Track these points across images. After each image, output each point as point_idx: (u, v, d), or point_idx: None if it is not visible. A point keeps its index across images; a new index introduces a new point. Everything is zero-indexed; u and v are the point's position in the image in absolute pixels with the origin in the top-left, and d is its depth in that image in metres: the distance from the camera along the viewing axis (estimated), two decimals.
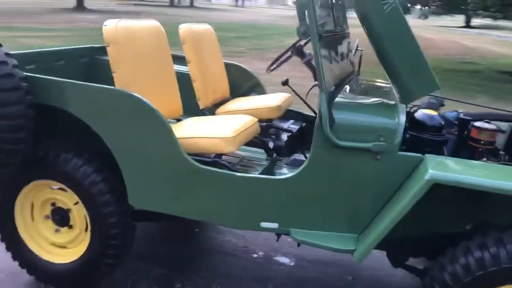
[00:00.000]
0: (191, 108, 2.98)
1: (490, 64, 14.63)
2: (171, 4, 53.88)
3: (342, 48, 2.73)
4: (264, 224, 2.16)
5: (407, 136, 2.22)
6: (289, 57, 2.92)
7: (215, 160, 2.28)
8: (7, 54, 2.14)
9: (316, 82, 2.09)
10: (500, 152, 2.23)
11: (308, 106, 2.86)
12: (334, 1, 2.59)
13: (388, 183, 2.05)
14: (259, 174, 2.39)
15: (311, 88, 2.56)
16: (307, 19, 1.98)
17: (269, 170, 2.52)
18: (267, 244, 3.19)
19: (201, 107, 2.96)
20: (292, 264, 3.01)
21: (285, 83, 2.81)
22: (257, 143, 2.74)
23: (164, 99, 2.50)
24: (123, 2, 52.77)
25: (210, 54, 3.14)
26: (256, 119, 2.59)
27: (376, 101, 2.29)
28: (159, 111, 2.12)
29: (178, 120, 2.70)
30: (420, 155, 2.04)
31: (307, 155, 2.12)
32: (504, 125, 2.32)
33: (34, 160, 2.33)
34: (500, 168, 2.00)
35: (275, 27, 26.07)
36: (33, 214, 2.53)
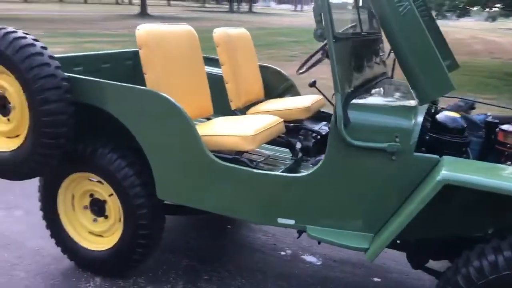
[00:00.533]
0: (224, 108, 3.11)
1: None
2: (230, 10, 54.85)
3: (370, 50, 2.75)
4: (281, 220, 2.24)
5: (427, 137, 2.22)
6: (320, 59, 2.97)
7: (235, 157, 2.38)
8: (50, 57, 2.35)
9: None
10: None
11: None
12: (360, 4, 2.62)
13: (403, 183, 2.07)
14: (280, 172, 2.47)
15: None
16: (323, 22, 2.04)
17: (291, 169, 2.59)
18: (296, 243, 3.25)
19: (232, 108, 3.08)
20: (318, 263, 3.05)
21: (312, 84, 2.87)
22: (285, 143, 2.82)
23: (193, 99, 2.64)
24: (184, 9, 54.31)
25: (244, 57, 3.25)
26: (280, 119, 2.67)
27: (396, 102, 2.30)
28: (184, 110, 2.25)
29: (209, 119, 2.83)
30: (436, 156, 2.04)
31: None
32: None
33: (74, 154, 2.53)
34: None
35: None
36: (74, 204, 2.74)
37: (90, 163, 2.53)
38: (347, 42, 2.25)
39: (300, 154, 2.76)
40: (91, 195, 2.69)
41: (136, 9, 36.04)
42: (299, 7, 78.27)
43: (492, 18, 15.86)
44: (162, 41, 2.52)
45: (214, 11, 54.04)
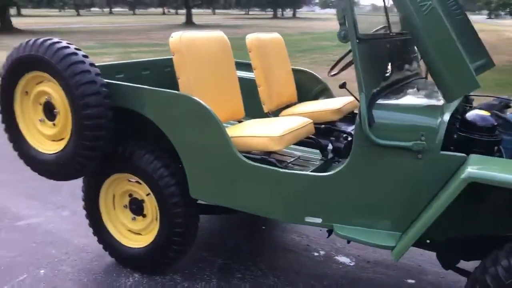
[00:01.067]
0: (258, 111, 3.19)
1: None
2: (274, 16, 55.09)
3: (401, 51, 2.75)
4: (308, 219, 2.28)
5: (455, 136, 2.20)
6: (351, 61, 2.99)
7: (263, 157, 2.45)
8: (91, 65, 2.51)
9: None
10: None
11: None
12: (388, 5, 2.64)
13: (430, 182, 2.06)
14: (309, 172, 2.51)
15: None
16: (346, 24, 2.08)
17: (321, 169, 2.63)
18: (329, 244, 3.27)
19: (265, 111, 3.16)
20: (351, 264, 3.06)
21: (342, 86, 2.89)
22: (316, 144, 2.86)
23: (225, 103, 2.73)
24: (229, 17, 55.09)
25: (276, 60, 3.33)
26: (310, 121, 2.72)
27: (423, 101, 2.30)
28: (214, 112, 2.35)
29: (240, 122, 2.92)
30: (463, 154, 2.03)
31: None
32: None
33: (114, 156, 2.68)
34: None
35: None
36: (114, 204, 2.90)
37: (129, 165, 2.67)
38: (372, 43, 2.28)
39: (330, 155, 2.79)
40: (130, 195, 2.83)
41: (182, 19, 36.93)
42: (372, 11, 77.51)
43: None
44: (194, 47, 2.64)
45: (258, 18, 54.54)
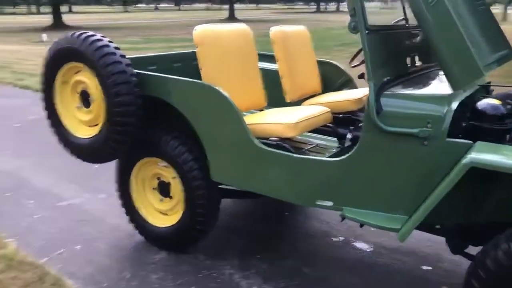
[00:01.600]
0: (282, 101, 3.32)
1: None
2: (317, 10, 54.65)
3: (417, 42, 2.81)
4: (319, 202, 2.40)
5: (464, 124, 2.26)
6: None
7: (278, 143, 2.59)
8: (122, 56, 2.72)
9: None
10: None
11: None
12: None
13: (436, 168, 2.13)
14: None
15: None
16: (356, 15, 2.18)
17: (335, 156, 2.73)
18: (349, 230, 3.37)
19: (287, 101, 3.28)
20: (369, 250, 3.15)
21: (361, 76, 2.97)
22: (333, 133, 2.96)
23: (246, 92, 2.89)
24: (272, 11, 55.07)
25: (300, 52, 3.44)
26: (327, 109, 2.83)
27: (431, 90, 2.37)
28: (232, 100, 2.50)
29: (262, 110, 3.06)
30: (469, 141, 2.08)
31: None
32: None
33: (143, 141, 2.89)
34: None
35: None
36: (144, 186, 3.11)
37: (157, 149, 2.87)
38: (382, 34, 2.36)
39: (348, 143, 2.89)
40: (158, 178, 3.04)
41: (226, 14, 37.32)
42: (390, 3, 75.92)
43: None
44: (217, 40, 2.80)
45: (301, 12, 54.28)
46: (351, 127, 3.09)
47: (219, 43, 2.81)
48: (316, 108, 2.80)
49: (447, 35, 2.06)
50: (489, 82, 2.76)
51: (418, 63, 2.74)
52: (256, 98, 3.00)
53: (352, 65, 3.19)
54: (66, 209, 3.71)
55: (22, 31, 25.47)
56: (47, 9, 35.50)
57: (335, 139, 3.05)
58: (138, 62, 3.09)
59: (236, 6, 37.48)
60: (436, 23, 2.08)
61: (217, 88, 2.53)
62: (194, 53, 3.89)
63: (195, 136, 2.72)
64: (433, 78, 2.65)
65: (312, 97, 3.49)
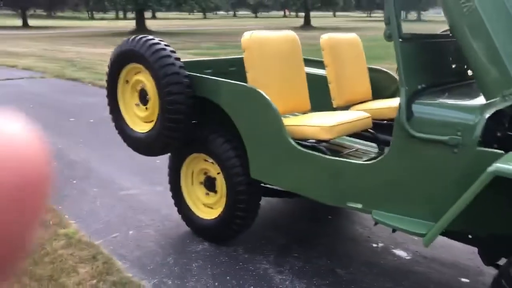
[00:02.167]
0: (329, 106, 3.42)
1: None
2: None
3: (453, 53, 2.79)
4: (349, 203, 2.47)
5: (499, 134, 2.24)
6: None
7: (313, 144, 2.69)
8: (176, 58, 2.96)
9: None
10: None
11: None
12: None
13: (465, 176, 2.14)
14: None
15: None
16: (390, 23, 2.25)
17: (369, 160, 2.79)
18: (390, 237, 3.37)
19: (334, 106, 3.37)
20: (407, 257, 3.15)
21: None
22: (373, 138, 3.01)
23: (289, 96, 3.02)
24: (349, 19, 54.48)
25: (350, 59, 3.51)
26: (367, 115, 2.89)
27: (465, 100, 2.37)
28: (273, 103, 2.65)
29: (305, 113, 3.18)
30: (500, 151, 2.08)
31: None
32: None
33: (193, 138, 3.12)
34: None
35: None
36: (193, 180, 3.34)
37: (205, 146, 3.08)
38: (418, 42, 2.40)
39: (386, 148, 2.93)
40: (205, 173, 3.25)
41: (301, 22, 37.51)
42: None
43: None
44: (264, 45, 2.96)
45: (379, 20, 53.20)
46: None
47: (265, 48, 2.97)
48: (355, 113, 2.87)
49: (480, 45, 2.08)
50: None
51: (453, 73, 2.73)
52: (300, 102, 3.12)
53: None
54: (124, 198, 4.04)
55: (109, 35, 27.27)
56: (133, 14, 37.70)
57: (376, 144, 3.09)
58: (196, 65, 3.33)
59: (313, 13, 37.56)
60: (470, 33, 2.10)
61: (258, 90, 2.69)
62: None
63: (238, 135, 2.90)
64: (471, 88, 2.64)
65: (361, 103, 3.55)
